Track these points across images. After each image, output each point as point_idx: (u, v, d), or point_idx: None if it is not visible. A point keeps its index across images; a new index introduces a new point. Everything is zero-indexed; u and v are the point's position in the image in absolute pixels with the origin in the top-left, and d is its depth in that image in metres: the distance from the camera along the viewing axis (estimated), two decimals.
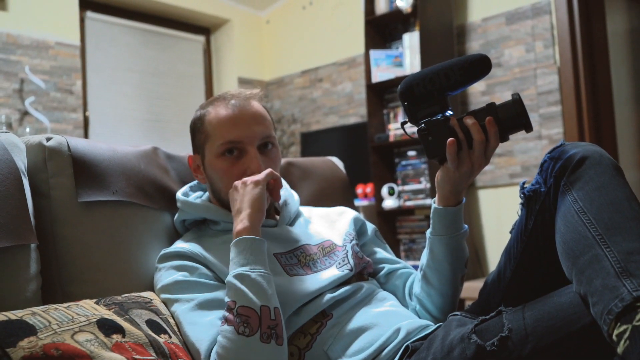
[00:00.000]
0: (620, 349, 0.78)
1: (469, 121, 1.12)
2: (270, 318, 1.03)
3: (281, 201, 1.37)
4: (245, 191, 1.16)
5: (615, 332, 0.80)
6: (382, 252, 1.43)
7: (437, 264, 1.25)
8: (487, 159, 1.14)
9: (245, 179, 1.19)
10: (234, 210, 1.17)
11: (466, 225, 1.26)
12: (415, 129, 1.18)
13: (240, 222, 1.13)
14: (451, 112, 1.16)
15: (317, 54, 4.55)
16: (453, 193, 1.20)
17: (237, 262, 1.09)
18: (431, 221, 1.25)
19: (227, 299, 1.06)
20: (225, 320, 1.03)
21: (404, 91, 1.15)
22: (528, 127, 1.10)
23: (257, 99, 1.31)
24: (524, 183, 1.14)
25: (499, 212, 3.51)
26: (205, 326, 1.08)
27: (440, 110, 1.14)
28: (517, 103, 1.09)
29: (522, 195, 1.12)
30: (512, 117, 1.10)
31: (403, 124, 1.21)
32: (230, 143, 1.24)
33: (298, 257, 1.24)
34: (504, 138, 1.13)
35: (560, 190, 1.02)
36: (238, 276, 1.06)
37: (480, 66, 1.11)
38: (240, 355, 1.00)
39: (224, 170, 1.25)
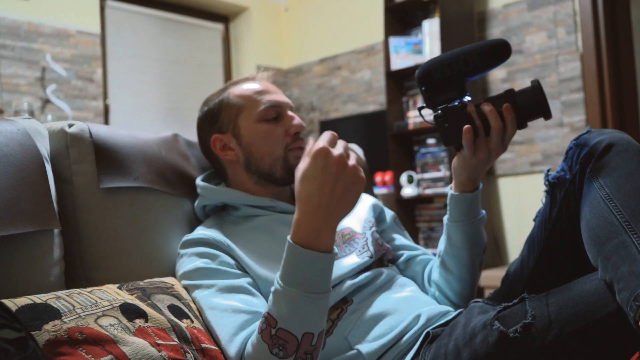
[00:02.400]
0: None
1: (487, 108, 1.11)
2: (311, 344, 0.95)
3: None
4: (349, 183, 0.93)
5: None
6: (402, 239, 1.43)
7: (455, 251, 1.24)
8: (505, 146, 1.14)
9: (341, 155, 0.92)
10: (326, 192, 0.92)
11: (484, 211, 1.25)
12: (432, 114, 1.17)
13: (327, 226, 0.93)
14: (469, 98, 1.15)
15: (336, 41, 4.53)
16: (470, 179, 1.20)
17: (298, 276, 0.94)
18: (448, 207, 1.25)
19: (270, 308, 0.96)
20: (261, 331, 0.96)
21: (422, 76, 1.14)
22: (547, 114, 1.09)
23: (269, 82, 1.37)
24: (548, 170, 1.13)
25: (519, 201, 3.49)
26: (225, 311, 1.08)
27: (458, 96, 1.13)
28: (536, 90, 1.08)
29: (546, 182, 1.11)
30: (530, 104, 1.09)
31: (420, 109, 1.21)
32: (273, 106, 1.28)
33: None
34: (522, 125, 1.12)
35: (586, 177, 1.01)
36: (292, 296, 0.93)
37: (500, 51, 1.10)
38: None
39: (268, 132, 1.27)
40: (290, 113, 1.29)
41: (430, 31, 3.58)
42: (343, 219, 0.95)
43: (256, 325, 1.03)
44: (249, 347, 1.00)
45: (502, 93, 1.12)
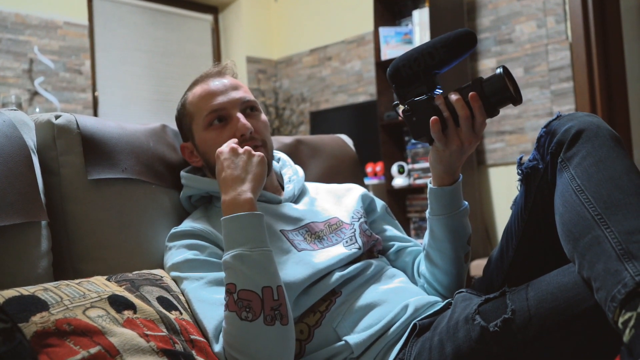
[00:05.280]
0: (626, 338, 0.76)
1: (454, 97, 1.10)
2: (274, 298, 1.01)
3: (286, 178, 1.37)
4: (246, 161, 1.13)
5: (621, 319, 0.77)
6: (392, 230, 1.43)
7: (438, 244, 1.24)
8: (477, 134, 1.13)
9: (236, 146, 1.16)
10: (227, 176, 1.11)
11: (466, 203, 1.25)
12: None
13: (242, 194, 1.09)
14: (440, 91, 1.14)
15: (326, 32, 4.52)
16: (447, 172, 1.19)
17: (237, 240, 1.05)
18: (428, 201, 1.24)
19: (226, 279, 1.04)
20: (227, 305, 1.02)
21: (392, 74, 1.14)
22: (514, 101, 1.08)
23: (230, 73, 1.34)
24: (520, 158, 1.12)
25: (509, 190, 3.49)
26: (213, 304, 1.08)
27: (428, 90, 1.13)
28: (499, 77, 1.08)
29: (519, 171, 1.10)
30: (496, 91, 1.08)
31: (395, 106, 1.20)
32: (214, 112, 1.26)
33: (304, 235, 1.24)
34: (492, 113, 1.11)
35: (557, 167, 0.99)
36: (237, 257, 1.03)
37: (464, 42, 1.09)
38: (246, 341, 1.00)
39: (213, 140, 1.25)
40: (237, 115, 1.25)
41: (420, 21, 3.57)
42: (260, 183, 1.13)
43: None
44: (224, 326, 1.02)
45: (470, 82, 1.12)
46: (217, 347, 1.03)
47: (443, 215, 1.22)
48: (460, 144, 1.12)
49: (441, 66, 1.11)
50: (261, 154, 1.15)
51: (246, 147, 1.15)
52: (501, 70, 1.08)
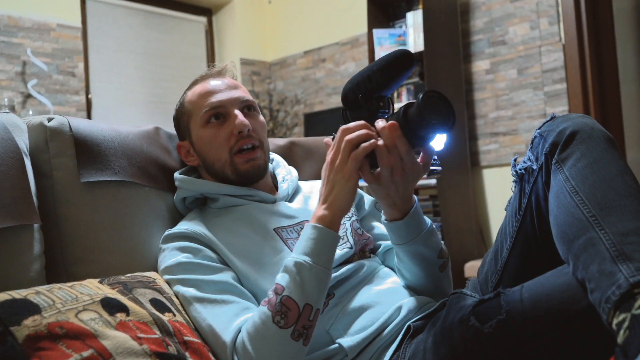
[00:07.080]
0: (620, 339, 0.76)
1: (380, 124, 1.03)
2: (309, 318, 1.01)
3: (280, 178, 1.37)
4: (336, 173, 1.05)
5: (615, 321, 0.77)
6: (380, 228, 1.41)
7: (405, 266, 1.22)
8: (410, 169, 1.04)
9: (341, 144, 1.05)
10: (323, 177, 1.08)
11: (429, 222, 1.19)
12: None
13: (328, 209, 1.05)
14: (384, 116, 1.08)
15: (320, 33, 4.52)
16: (392, 207, 1.13)
17: (305, 247, 1.04)
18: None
19: (278, 278, 1.04)
20: (268, 301, 1.02)
21: (342, 99, 1.12)
22: (441, 129, 0.99)
23: (230, 75, 1.35)
24: (515, 160, 1.11)
25: (503, 191, 3.50)
26: (216, 302, 1.08)
27: (369, 115, 1.07)
28: (417, 106, 0.98)
29: (514, 173, 1.10)
30: (416, 119, 0.98)
31: None
32: (213, 109, 1.26)
33: (298, 232, 1.24)
34: (421, 142, 1.02)
35: (552, 168, 0.98)
36: (298, 265, 1.02)
37: (398, 63, 1.05)
38: (266, 342, 1.00)
39: (211, 137, 1.26)
40: (236, 112, 1.25)
41: (414, 23, 3.58)
42: (340, 207, 1.05)
43: (249, 316, 1.04)
44: (254, 316, 1.02)
45: (401, 107, 1.03)
46: (229, 336, 1.04)
47: (403, 244, 1.17)
48: (390, 177, 1.06)
49: (380, 89, 1.06)
50: (354, 175, 1.04)
51: (342, 156, 1.04)
52: (420, 96, 0.98)
